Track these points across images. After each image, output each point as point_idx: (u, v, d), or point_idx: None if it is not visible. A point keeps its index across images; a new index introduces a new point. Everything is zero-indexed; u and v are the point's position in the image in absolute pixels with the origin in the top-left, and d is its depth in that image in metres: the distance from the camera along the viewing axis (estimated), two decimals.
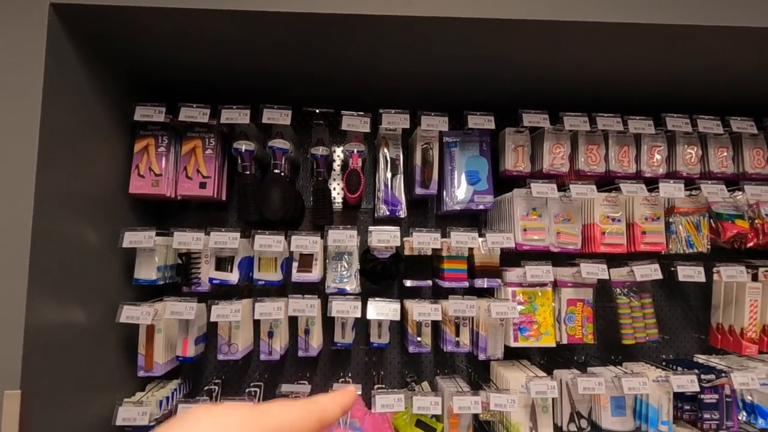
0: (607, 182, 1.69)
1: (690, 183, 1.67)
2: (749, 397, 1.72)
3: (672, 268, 1.62)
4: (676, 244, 1.69)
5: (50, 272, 1.16)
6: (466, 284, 1.64)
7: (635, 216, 1.69)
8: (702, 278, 1.58)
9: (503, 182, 1.77)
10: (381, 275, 1.59)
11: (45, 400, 1.13)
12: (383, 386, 1.59)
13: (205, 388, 1.63)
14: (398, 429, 1.60)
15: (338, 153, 1.88)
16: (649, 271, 1.59)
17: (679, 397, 1.72)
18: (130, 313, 1.42)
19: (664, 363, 1.80)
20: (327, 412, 0.46)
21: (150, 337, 1.53)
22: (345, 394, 0.49)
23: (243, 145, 1.57)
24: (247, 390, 1.58)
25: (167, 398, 1.55)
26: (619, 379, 1.59)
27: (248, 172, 1.58)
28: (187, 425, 0.40)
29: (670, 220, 1.71)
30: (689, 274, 1.58)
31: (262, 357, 1.57)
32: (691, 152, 1.72)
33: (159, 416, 1.48)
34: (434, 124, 1.55)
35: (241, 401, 1.47)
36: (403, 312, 1.77)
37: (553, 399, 1.64)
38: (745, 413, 1.71)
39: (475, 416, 1.66)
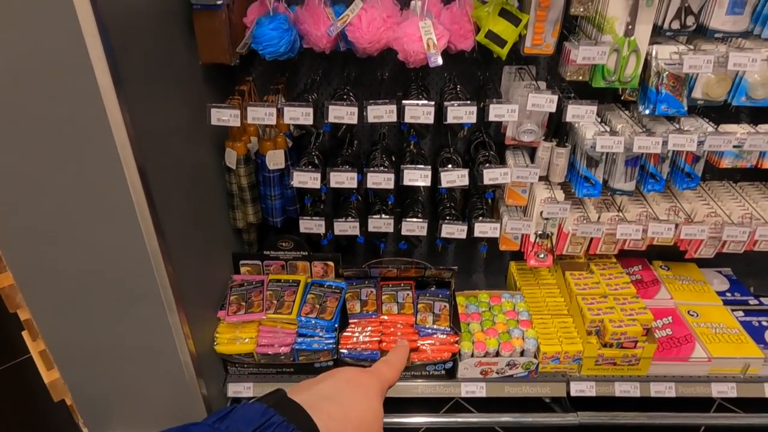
0: None
1: None
2: None
3: None
4: None
5: None
6: None
7: None
8: None
9: None
10: None
11: None
12: None
13: None
14: (479, 21, 1.48)
15: None
16: None
17: None
18: None
19: None
20: (392, 377, 0.61)
21: None
22: (400, 357, 0.64)
23: None
24: None
25: None
26: None
27: None
28: (333, 372, 0.56)
29: None
30: None
31: None
32: None
33: None
34: None
35: None
36: None
37: None
38: None
39: (566, 12, 1.49)
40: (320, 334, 1.69)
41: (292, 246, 1.84)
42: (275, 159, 1.66)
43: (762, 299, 2.01)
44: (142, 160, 1.20)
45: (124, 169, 1.17)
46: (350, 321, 1.75)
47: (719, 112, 1.69)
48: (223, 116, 1.50)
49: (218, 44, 1.44)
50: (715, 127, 1.61)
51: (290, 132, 1.78)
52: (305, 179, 1.62)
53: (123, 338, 1.47)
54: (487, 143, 1.77)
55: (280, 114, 1.52)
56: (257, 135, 1.73)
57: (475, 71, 1.79)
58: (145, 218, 1.23)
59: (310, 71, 1.81)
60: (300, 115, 1.51)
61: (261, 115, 1.51)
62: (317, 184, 1.64)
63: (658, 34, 1.51)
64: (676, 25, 1.47)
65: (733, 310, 1.93)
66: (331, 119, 1.52)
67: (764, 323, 1.89)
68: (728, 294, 2.04)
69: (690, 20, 1.47)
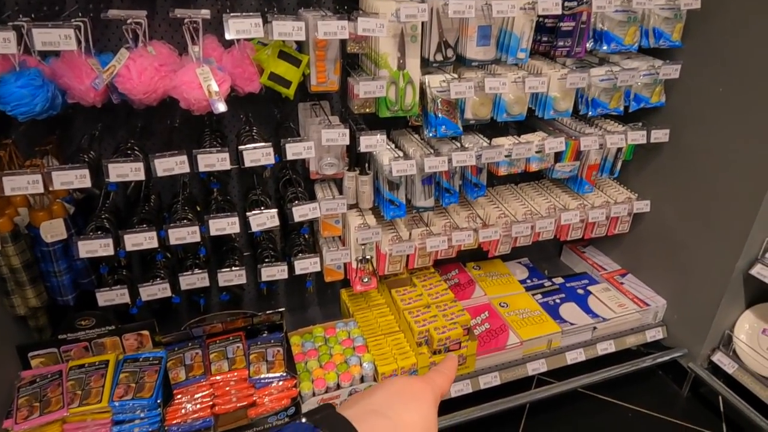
0: None
1: None
2: (600, 25, 1.81)
3: None
4: None
5: None
6: None
7: None
8: None
9: None
10: None
11: None
12: (237, 13, 1.38)
13: None
14: (261, 63, 1.48)
15: None
16: None
17: (538, 30, 1.76)
18: None
19: None
20: (445, 387, 0.59)
21: None
22: (451, 366, 0.61)
23: None
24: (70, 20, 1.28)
25: None
26: (489, 5, 1.54)
27: None
28: (386, 381, 0.55)
29: None
30: None
31: None
32: None
33: None
34: None
35: None
36: None
37: (422, 31, 1.57)
38: (593, 41, 1.83)
39: (343, 50, 1.58)
40: (141, 415, 1.51)
41: (95, 323, 1.61)
42: (52, 230, 1.45)
43: (554, 280, 2.34)
44: None
45: None
46: (175, 391, 1.59)
47: (495, 128, 1.95)
48: None
49: None
50: (489, 141, 1.84)
51: (71, 196, 1.57)
52: (94, 248, 1.44)
53: None
54: (294, 179, 1.77)
55: (48, 180, 1.33)
56: (27, 205, 1.49)
57: (272, 109, 1.79)
58: None
59: (87, 125, 1.63)
60: (74, 179, 1.34)
61: (23, 184, 1.31)
62: (111, 251, 1.47)
63: (427, 65, 1.68)
64: (439, 57, 1.65)
65: (533, 295, 2.21)
66: (114, 179, 1.38)
67: (557, 301, 2.20)
68: (528, 281, 2.34)
69: (450, 52, 1.66)
